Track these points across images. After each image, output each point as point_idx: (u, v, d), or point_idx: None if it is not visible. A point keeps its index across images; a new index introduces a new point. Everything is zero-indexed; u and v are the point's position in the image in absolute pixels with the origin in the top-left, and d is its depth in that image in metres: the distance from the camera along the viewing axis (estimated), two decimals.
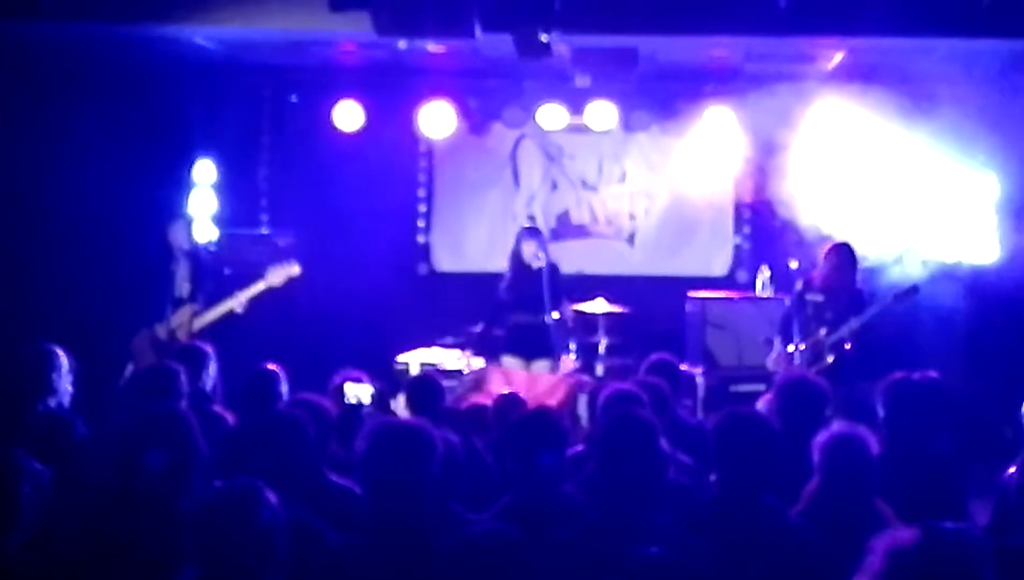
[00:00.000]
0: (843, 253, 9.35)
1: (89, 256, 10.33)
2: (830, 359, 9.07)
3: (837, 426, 5.02)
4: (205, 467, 4.56)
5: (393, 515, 4.28)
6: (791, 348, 9.33)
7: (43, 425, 5.55)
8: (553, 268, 9.89)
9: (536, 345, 9.79)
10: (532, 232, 10.18)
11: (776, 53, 10.61)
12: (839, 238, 9.73)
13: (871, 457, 4.85)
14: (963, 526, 3.56)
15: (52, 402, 6.10)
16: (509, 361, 9.82)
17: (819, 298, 9.30)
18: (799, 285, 9.64)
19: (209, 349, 7.22)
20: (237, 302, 9.31)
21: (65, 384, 6.26)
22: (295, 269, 9.44)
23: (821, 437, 4.93)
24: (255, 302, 9.37)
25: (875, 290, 9.58)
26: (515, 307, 9.84)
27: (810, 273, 9.66)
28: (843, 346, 9.06)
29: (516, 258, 9.92)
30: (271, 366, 6.63)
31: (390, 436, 4.44)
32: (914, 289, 9.27)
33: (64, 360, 6.29)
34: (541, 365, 9.79)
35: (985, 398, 8.55)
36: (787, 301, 9.92)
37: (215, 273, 9.75)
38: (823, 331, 9.16)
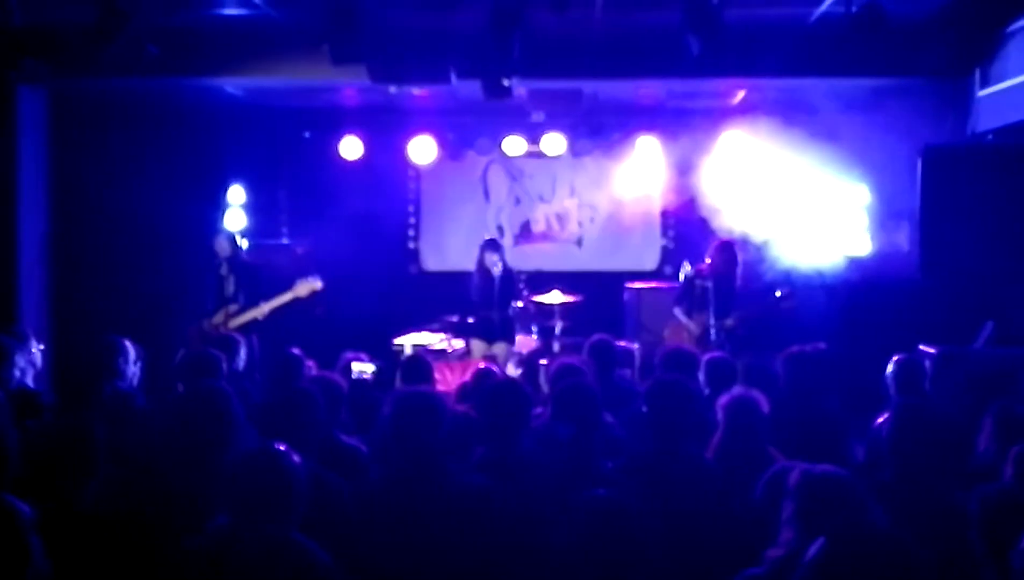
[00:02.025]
0: (728, 250, 9.47)
1: (148, 264, 10.29)
2: (713, 338, 9.23)
3: (736, 390, 5.05)
4: (243, 432, 4.54)
5: (412, 464, 4.25)
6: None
7: (111, 401, 5.50)
8: (509, 273, 10.01)
9: (496, 332, 9.91)
10: (492, 244, 10.21)
11: (691, 92, 10.65)
12: (727, 236, 9.85)
13: (762, 414, 4.89)
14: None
15: (119, 383, 6.05)
16: (476, 344, 9.96)
17: (707, 284, 9.39)
18: (688, 269, 9.74)
19: (240, 338, 7.19)
20: (260, 311, 9.29)
21: (130, 367, 6.22)
22: (318, 284, 9.37)
23: (723, 399, 4.96)
24: (279, 310, 9.34)
25: (759, 284, 9.70)
26: (481, 304, 9.94)
27: (700, 262, 9.73)
28: (727, 331, 9.23)
29: (480, 265, 10.03)
30: (295, 350, 6.59)
31: (410, 402, 4.43)
32: (791, 294, 9.43)
33: (130, 348, 6.25)
34: (500, 346, 9.92)
35: (863, 362, 8.59)
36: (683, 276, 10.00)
37: (254, 276, 9.68)
38: (705, 315, 9.30)
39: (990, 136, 8.81)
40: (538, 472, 4.49)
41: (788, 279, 9.84)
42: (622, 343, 9.28)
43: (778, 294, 9.43)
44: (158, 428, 4.70)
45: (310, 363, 6.86)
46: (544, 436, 4.83)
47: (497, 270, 9.89)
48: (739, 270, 9.49)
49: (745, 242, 10.33)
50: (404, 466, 4.26)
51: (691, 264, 10.70)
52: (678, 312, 9.59)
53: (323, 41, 7.92)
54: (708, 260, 9.52)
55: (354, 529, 4.21)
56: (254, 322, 9.30)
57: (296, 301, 9.39)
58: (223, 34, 9.03)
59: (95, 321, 8.94)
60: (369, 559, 4.01)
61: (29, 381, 6.29)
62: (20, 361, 6.08)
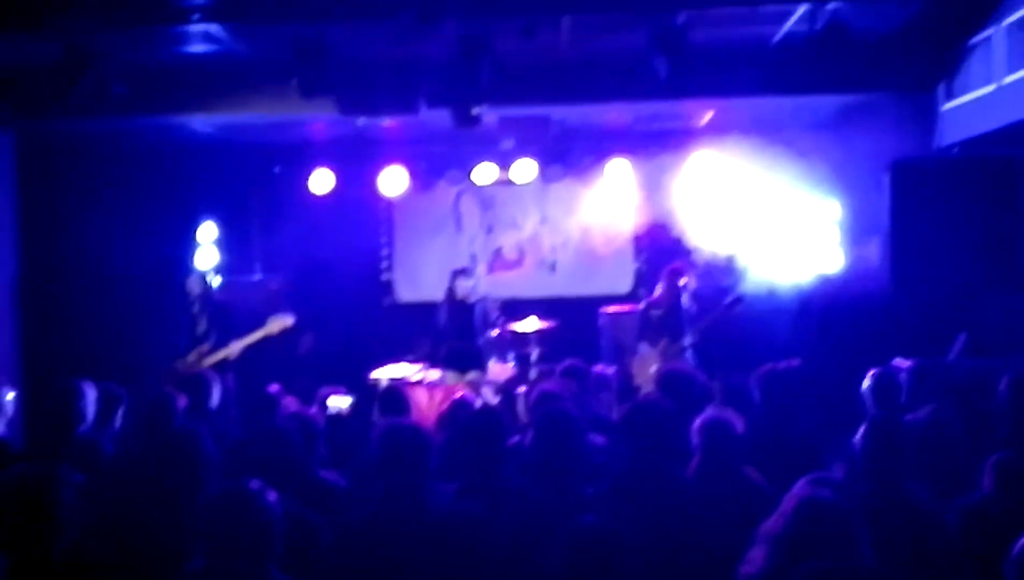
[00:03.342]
0: (676, 275, 9.57)
1: (121, 305, 10.23)
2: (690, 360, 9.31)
3: (709, 411, 5.05)
4: (217, 472, 4.50)
5: (398, 497, 4.25)
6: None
7: (79, 447, 5.45)
8: (483, 301, 10.04)
9: (469, 362, 9.86)
10: (464, 272, 10.23)
11: (660, 114, 10.71)
12: (676, 263, 9.95)
13: (736, 434, 4.89)
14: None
15: (83, 427, 5.97)
16: (450, 375, 9.87)
17: (659, 312, 9.49)
18: (643, 304, 9.86)
19: (213, 376, 7.12)
20: (232, 350, 9.25)
21: (90, 409, 6.14)
22: (289, 321, 9.39)
23: (697, 421, 4.96)
24: (254, 347, 9.31)
25: (707, 300, 9.79)
26: (452, 334, 9.90)
27: (651, 293, 9.85)
28: (687, 350, 9.32)
29: (450, 294, 10.02)
30: (271, 388, 6.55)
31: (395, 435, 4.42)
32: (739, 299, 9.57)
33: (89, 391, 6.18)
34: (473, 375, 9.86)
35: (837, 377, 8.64)
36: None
37: (225, 314, 9.63)
38: (665, 341, 9.37)
39: (956, 149, 8.89)
40: (521, 499, 4.47)
41: (735, 286, 9.98)
42: (599, 367, 9.27)
43: (728, 301, 9.59)
44: (130, 472, 4.66)
45: (288, 400, 6.83)
46: (525, 463, 4.81)
47: (471, 296, 9.92)
48: (686, 293, 9.60)
49: (716, 261, 10.41)
50: (390, 499, 4.24)
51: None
52: (643, 346, 9.65)
53: (291, 75, 7.93)
54: (659, 288, 9.68)
55: (334, 564, 4.18)
56: (229, 360, 9.25)
57: (269, 338, 9.36)
58: (190, 71, 9.03)
59: (67, 365, 8.86)
60: None
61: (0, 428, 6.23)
62: None
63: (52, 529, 3.77)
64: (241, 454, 4.82)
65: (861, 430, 4.56)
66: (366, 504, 4.46)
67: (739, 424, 4.93)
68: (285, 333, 9.44)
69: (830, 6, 7.40)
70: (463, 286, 9.96)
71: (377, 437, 4.42)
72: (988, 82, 8.06)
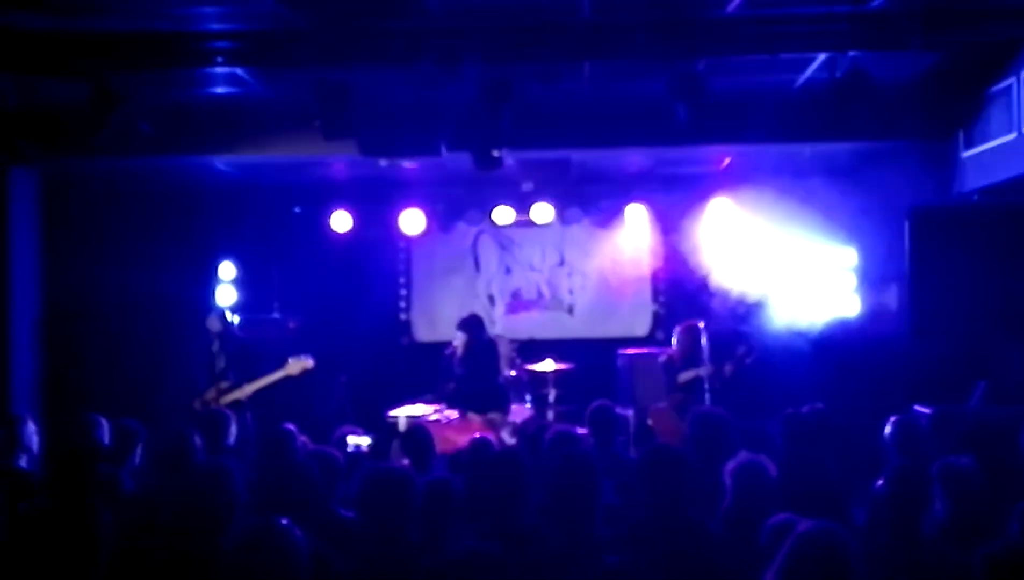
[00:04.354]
0: (692, 332, 9.57)
1: (141, 342, 10.27)
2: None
3: (743, 455, 5.01)
4: (243, 509, 4.50)
5: (382, 543, 4.25)
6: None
7: (103, 482, 5.45)
8: (491, 344, 9.93)
9: (489, 403, 9.79)
10: (459, 325, 9.95)
11: (679, 159, 10.75)
12: (691, 321, 9.90)
13: (770, 479, 4.85)
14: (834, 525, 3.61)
15: (100, 461, 5.97)
16: (472, 416, 9.82)
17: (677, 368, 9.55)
18: (664, 358, 9.85)
19: (231, 414, 7.12)
20: (244, 392, 9.25)
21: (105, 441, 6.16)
22: (310, 363, 9.36)
23: (730, 464, 4.92)
24: (272, 386, 9.31)
25: (722, 342, 9.76)
26: (468, 378, 9.81)
27: (671, 352, 9.90)
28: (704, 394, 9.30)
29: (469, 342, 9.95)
30: (287, 426, 6.54)
31: (377, 478, 4.43)
32: (750, 351, 9.71)
33: (104, 425, 6.20)
34: (495, 416, 9.79)
35: (856, 423, 8.61)
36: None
37: (244, 352, 9.64)
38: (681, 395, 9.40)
39: (976, 196, 8.90)
40: (540, 541, 4.45)
41: (745, 337, 9.97)
42: (616, 409, 9.25)
43: (740, 353, 9.59)
44: (157, 507, 4.66)
45: (303, 439, 6.81)
46: (540, 506, 4.79)
47: (458, 346, 9.79)
48: (704, 352, 9.56)
49: (734, 304, 10.42)
50: (374, 545, 4.24)
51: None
52: (660, 394, 9.63)
53: (314, 117, 8.00)
54: (674, 342, 9.68)
55: None
56: (246, 398, 9.26)
57: (288, 378, 9.36)
58: (215, 112, 9.12)
59: (87, 400, 8.89)
60: None
61: (23, 463, 6.24)
62: None
63: (91, 565, 3.77)
64: (261, 490, 4.81)
65: (884, 477, 4.53)
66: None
67: (772, 469, 4.88)
68: (305, 374, 9.43)
69: (850, 54, 7.43)
70: (455, 337, 9.86)
71: (358, 482, 4.43)
72: (1009, 130, 8.08)
